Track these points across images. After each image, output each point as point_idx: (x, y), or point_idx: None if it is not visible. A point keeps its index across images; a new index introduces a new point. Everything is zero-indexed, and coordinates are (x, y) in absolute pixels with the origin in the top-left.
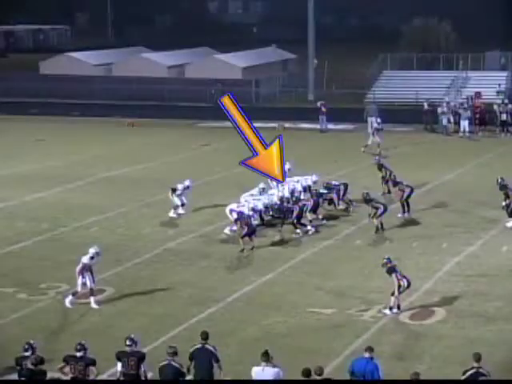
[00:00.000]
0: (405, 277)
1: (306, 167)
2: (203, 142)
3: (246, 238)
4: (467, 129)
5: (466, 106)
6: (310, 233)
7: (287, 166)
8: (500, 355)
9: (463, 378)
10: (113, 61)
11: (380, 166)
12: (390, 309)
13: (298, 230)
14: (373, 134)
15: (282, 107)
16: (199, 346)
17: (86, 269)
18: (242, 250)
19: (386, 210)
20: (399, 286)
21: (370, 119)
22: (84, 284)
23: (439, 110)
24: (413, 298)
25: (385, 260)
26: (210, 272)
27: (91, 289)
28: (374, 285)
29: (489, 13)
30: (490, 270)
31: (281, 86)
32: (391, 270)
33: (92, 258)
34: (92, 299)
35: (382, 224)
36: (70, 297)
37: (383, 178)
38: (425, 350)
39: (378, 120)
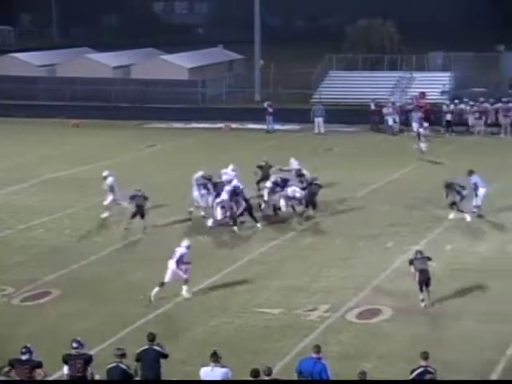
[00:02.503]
0: None
1: (252, 167)
2: (149, 142)
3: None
4: (419, 129)
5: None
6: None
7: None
8: (446, 353)
9: (411, 376)
10: (57, 61)
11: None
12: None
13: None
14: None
15: (228, 108)
16: (146, 347)
17: (182, 260)
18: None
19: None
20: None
21: (316, 120)
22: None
23: (385, 110)
24: (359, 297)
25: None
26: (157, 273)
27: (186, 279)
28: (322, 285)
29: (432, 14)
30: (435, 268)
31: (227, 86)
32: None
33: (188, 247)
34: (184, 288)
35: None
36: (157, 288)
37: None
38: (372, 348)
39: (425, 124)
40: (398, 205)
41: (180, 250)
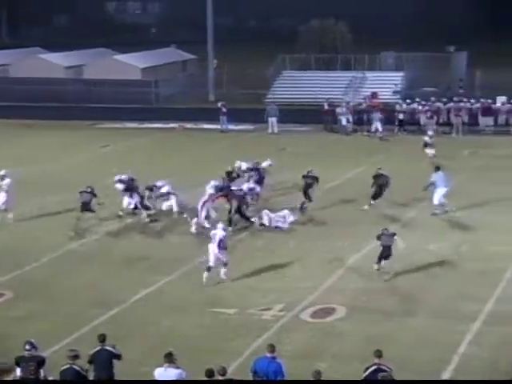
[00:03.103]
0: None
1: (206, 167)
2: (103, 143)
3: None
4: (380, 129)
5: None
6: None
7: (267, 162)
8: (400, 352)
9: (364, 374)
10: (8, 61)
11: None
12: None
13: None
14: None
15: (182, 108)
16: (98, 348)
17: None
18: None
19: None
20: None
21: (270, 119)
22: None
23: (338, 110)
24: (313, 296)
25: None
26: (111, 274)
27: (225, 263)
28: (276, 284)
29: (384, 14)
30: (387, 267)
31: (181, 86)
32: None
33: (225, 229)
34: (223, 271)
35: None
36: (206, 273)
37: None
38: (326, 347)
39: (430, 133)
40: (352, 204)
41: (219, 234)
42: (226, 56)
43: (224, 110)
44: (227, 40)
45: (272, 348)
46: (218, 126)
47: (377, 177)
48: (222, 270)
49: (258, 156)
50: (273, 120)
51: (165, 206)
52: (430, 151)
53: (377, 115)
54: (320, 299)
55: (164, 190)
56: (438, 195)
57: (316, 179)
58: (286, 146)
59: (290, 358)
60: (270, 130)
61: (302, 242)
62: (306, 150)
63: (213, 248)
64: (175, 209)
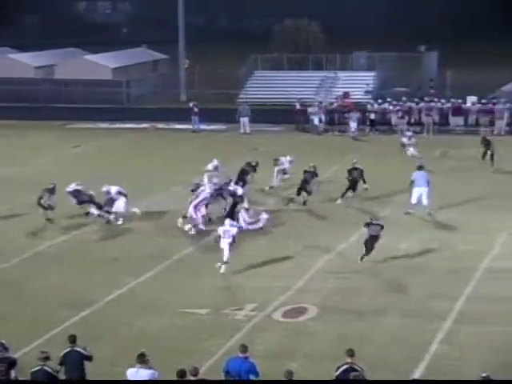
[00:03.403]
0: None
1: (178, 167)
2: (74, 143)
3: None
4: (353, 129)
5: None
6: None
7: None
8: (372, 350)
9: (336, 373)
10: None
11: None
12: None
13: None
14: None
15: (153, 108)
16: (68, 349)
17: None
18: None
19: None
20: None
21: (242, 119)
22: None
23: (310, 109)
24: (285, 296)
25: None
26: (81, 275)
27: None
28: (248, 284)
29: (356, 14)
30: (360, 266)
31: (152, 86)
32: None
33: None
34: (224, 267)
35: None
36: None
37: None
38: (298, 347)
39: (408, 134)
40: (324, 203)
41: (232, 231)
42: (197, 56)
43: (196, 109)
44: (198, 40)
45: (244, 348)
46: (190, 126)
47: (351, 170)
48: (223, 267)
49: (229, 156)
50: (245, 120)
51: (115, 207)
52: (410, 152)
53: (355, 115)
54: (292, 299)
55: (113, 190)
56: (416, 194)
57: (315, 175)
58: (258, 145)
59: (262, 357)
60: (242, 130)
61: (274, 241)
62: (278, 150)
63: (225, 243)
64: (123, 210)
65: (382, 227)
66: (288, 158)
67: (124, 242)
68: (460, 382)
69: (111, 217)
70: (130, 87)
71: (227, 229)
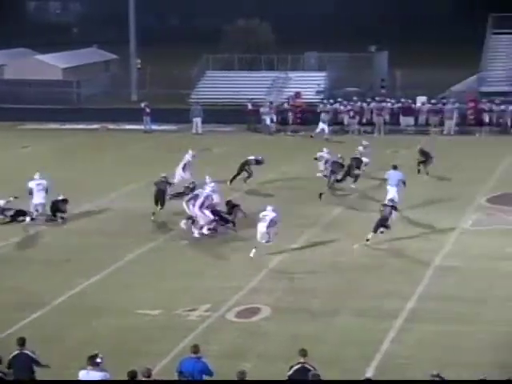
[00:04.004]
0: None
1: (129, 168)
2: (24, 144)
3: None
4: (326, 131)
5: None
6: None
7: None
8: (325, 350)
9: (289, 373)
10: None
11: None
12: None
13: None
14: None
15: (104, 108)
16: (16, 352)
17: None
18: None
19: None
20: None
21: (194, 120)
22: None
23: (262, 109)
24: (238, 296)
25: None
26: (32, 277)
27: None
28: (201, 285)
29: (307, 14)
30: (313, 267)
31: (103, 86)
32: None
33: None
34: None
35: None
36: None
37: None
38: (251, 347)
39: (365, 143)
40: (274, 204)
41: (270, 215)
42: (148, 56)
43: (148, 110)
44: (150, 39)
45: (196, 348)
46: (142, 127)
47: (353, 159)
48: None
49: (181, 156)
50: (197, 120)
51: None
52: (365, 160)
53: (326, 116)
54: (245, 299)
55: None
56: (390, 192)
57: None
58: (211, 146)
59: (216, 357)
60: (194, 131)
61: (227, 241)
62: (230, 150)
63: (261, 227)
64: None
65: (394, 207)
66: (324, 150)
67: (75, 243)
68: (410, 381)
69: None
70: (81, 87)
71: (266, 213)
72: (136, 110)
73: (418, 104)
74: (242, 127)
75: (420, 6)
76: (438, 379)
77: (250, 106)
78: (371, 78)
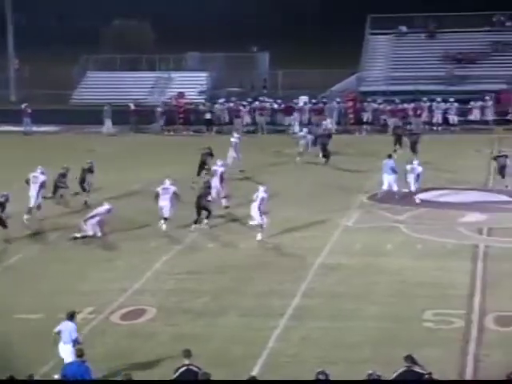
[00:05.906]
0: None
1: (9, 171)
2: None
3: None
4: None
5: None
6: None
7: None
8: (211, 349)
9: (174, 376)
10: None
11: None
12: None
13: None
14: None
15: None
16: None
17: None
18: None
19: None
20: None
21: (106, 121)
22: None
23: (158, 109)
24: (123, 298)
25: None
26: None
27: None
28: (85, 287)
29: (189, 14)
30: (197, 267)
31: None
32: None
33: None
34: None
35: None
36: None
37: None
38: (137, 349)
39: (236, 135)
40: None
41: (260, 195)
42: (27, 56)
43: (29, 111)
44: (27, 40)
45: (80, 352)
46: (21, 128)
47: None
48: (259, 234)
49: (64, 158)
50: (107, 121)
51: None
52: (231, 153)
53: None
54: (130, 301)
55: None
56: (385, 180)
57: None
58: (95, 146)
59: (102, 360)
60: (104, 131)
61: (111, 243)
62: (114, 151)
63: (254, 207)
64: None
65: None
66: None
67: None
68: (294, 381)
69: None
70: None
71: (257, 194)
72: (15, 111)
73: (300, 104)
74: (125, 127)
75: (303, 7)
76: (322, 377)
77: (132, 106)
78: (253, 78)
